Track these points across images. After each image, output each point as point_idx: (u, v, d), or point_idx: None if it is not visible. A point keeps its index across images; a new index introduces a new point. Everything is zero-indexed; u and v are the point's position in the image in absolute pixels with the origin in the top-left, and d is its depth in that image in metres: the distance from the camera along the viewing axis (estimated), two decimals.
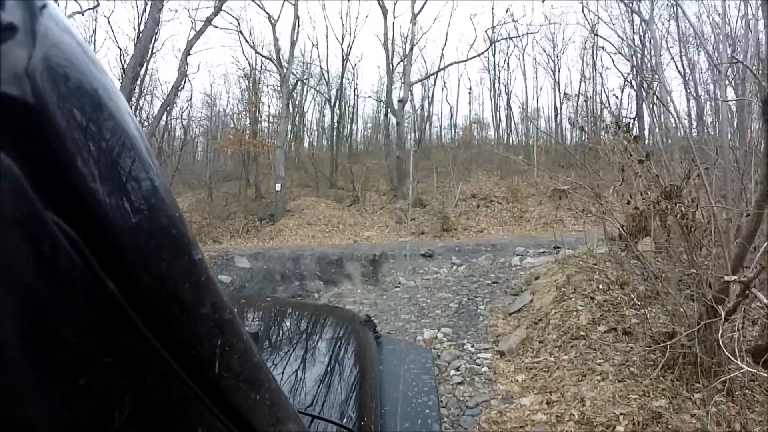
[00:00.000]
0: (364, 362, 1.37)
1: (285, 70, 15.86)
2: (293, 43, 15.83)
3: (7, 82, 0.22)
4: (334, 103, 22.29)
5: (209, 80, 38.61)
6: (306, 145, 24.30)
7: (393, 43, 19.15)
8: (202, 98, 22.93)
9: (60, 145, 0.24)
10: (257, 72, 20.77)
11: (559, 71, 22.91)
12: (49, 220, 0.24)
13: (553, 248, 9.59)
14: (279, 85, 17.00)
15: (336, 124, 20.61)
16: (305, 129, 24.80)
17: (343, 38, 25.85)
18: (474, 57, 19.28)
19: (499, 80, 24.10)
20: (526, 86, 25.73)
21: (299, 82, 19.35)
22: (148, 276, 0.28)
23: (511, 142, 24.41)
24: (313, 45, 28.67)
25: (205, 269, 0.33)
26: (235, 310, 0.37)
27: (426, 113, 22.30)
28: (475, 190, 18.01)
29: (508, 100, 22.34)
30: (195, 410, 0.35)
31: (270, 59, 17.43)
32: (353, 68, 23.61)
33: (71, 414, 0.26)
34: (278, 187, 15.17)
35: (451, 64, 18.62)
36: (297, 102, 23.06)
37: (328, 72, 21.32)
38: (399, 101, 17.13)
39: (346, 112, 22.47)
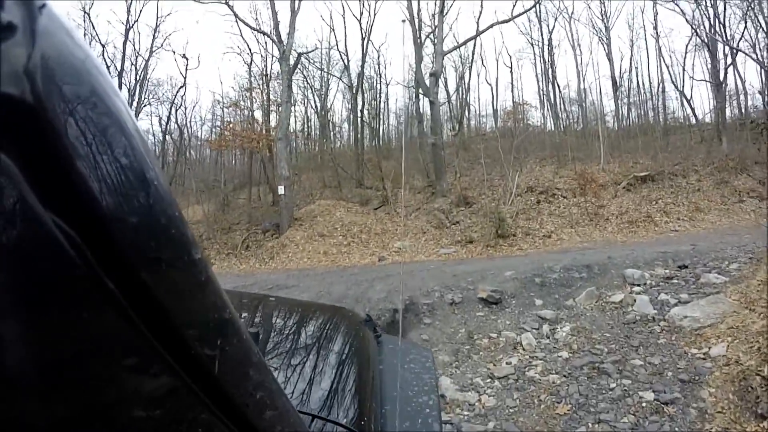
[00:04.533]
0: (364, 361, 1.35)
1: (284, 46, 11.91)
2: (294, 13, 12.65)
3: (7, 82, 0.23)
4: (357, 88, 20.01)
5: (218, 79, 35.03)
6: (338, 145, 23.00)
7: (419, 14, 17.12)
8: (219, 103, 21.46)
9: (59, 144, 0.25)
10: (262, 57, 17.89)
11: (609, 42, 21.38)
12: (48, 219, 0.25)
13: (678, 268, 6.68)
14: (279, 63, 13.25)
15: (360, 112, 16.75)
16: (333, 126, 23.40)
17: (360, 14, 21.73)
18: (520, 14, 15.42)
19: (543, 58, 22.25)
20: (576, 58, 20.95)
21: (303, 60, 15.93)
22: (148, 276, 0.29)
23: (561, 125, 21.88)
24: (330, 29, 24.81)
25: (205, 269, 0.34)
26: (235, 310, 0.38)
27: (462, 99, 18.48)
28: (530, 182, 14.70)
29: (554, 77, 18.52)
30: (195, 410, 0.36)
31: (265, 33, 13.75)
32: (377, 52, 20.11)
33: (71, 414, 0.27)
34: (281, 189, 11.62)
35: (492, 26, 14.91)
36: (321, 94, 21.88)
37: (347, 55, 18.23)
38: (431, 75, 13.08)
39: (375, 104, 18.86)
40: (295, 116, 22.13)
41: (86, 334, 0.27)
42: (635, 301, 5.85)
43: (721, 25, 17.90)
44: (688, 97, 20.91)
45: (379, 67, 22.88)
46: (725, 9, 17.64)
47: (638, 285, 6.31)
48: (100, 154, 0.27)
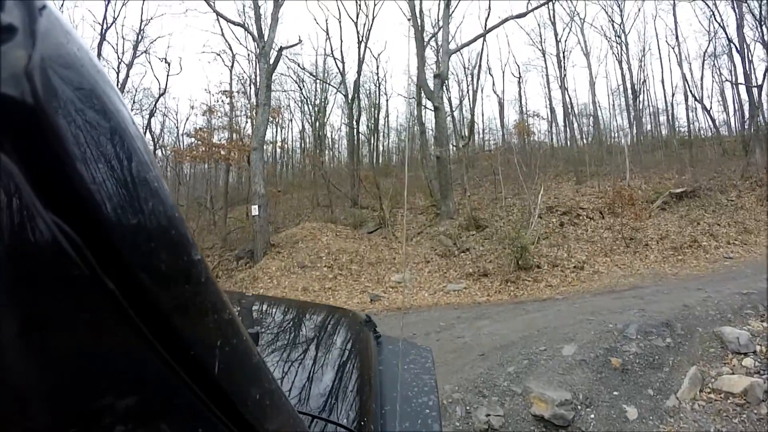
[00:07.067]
0: (364, 362, 1.32)
1: (264, 41, 9.81)
2: (277, 3, 9.87)
3: (7, 83, 0.24)
4: (353, 97, 18.44)
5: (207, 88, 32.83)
6: (335, 164, 21.75)
7: (421, 14, 15.49)
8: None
9: (59, 146, 0.26)
10: (249, 61, 16.39)
11: (627, 46, 21.08)
12: (48, 220, 0.25)
13: None
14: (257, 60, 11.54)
15: (356, 122, 14.66)
16: (331, 143, 22.48)
17: (357, 16, 19.82)
18: (536, 8, 13.14)
19: (556, 63, 20.30)
20: (589, 68, 18.83)
21: (299, 72, 14.09)
22: (148, 276, 0.30)
23: (576, 139, 20.12)
24: (326, 35, 22.83)
25: (205, 270, 0.35)
26: (235, 310, 0.40)
27: (471, 103, 17.10)
28: (550, 201, 12.76)
29: (566, 88, 17.14)
30: (195, 410, 0.36)
31: (242, 26, 11.68)
32: (376, 61, 18.36)
33: (71, 414, 0.28)
34: (255, 210, 9.45)
35: (505, 21, 13.14)
36: (317, 107, 20.45)
37: (342, 61, 16.10)
38: (435, 77, 11.00)
39: (374, 119, 17.15)
40: (291, 131, 20.29)
41: (86, 334, 0.27)
42: (766, 393, 3.84)
43: (760, 24, 15.98)
44: (708, 108, 19.08)
45: (377, 78, 21.25)
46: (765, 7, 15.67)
47: (746, 354, 4.41)
48: (100, 155, 0.27)
